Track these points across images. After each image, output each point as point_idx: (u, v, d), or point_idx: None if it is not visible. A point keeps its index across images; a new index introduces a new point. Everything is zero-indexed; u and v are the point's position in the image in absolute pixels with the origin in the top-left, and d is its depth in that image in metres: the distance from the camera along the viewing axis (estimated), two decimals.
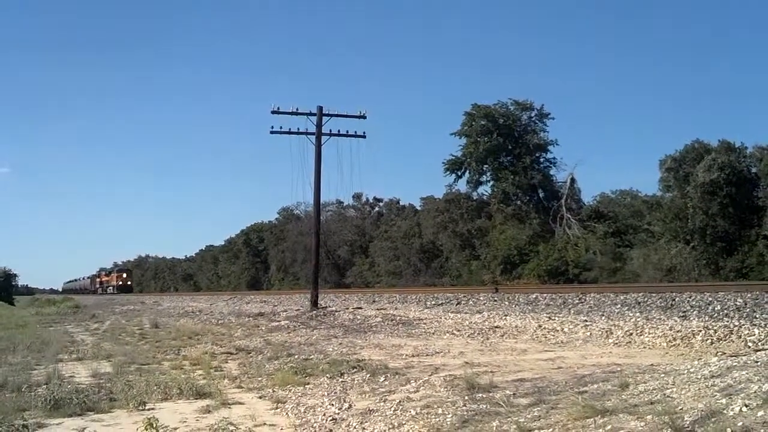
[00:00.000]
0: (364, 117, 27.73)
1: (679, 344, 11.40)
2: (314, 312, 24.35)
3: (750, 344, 10.50)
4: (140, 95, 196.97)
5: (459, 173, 47.27)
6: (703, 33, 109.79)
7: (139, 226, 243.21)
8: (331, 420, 7.93)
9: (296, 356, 13.22)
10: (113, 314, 36.31)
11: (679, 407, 5.61)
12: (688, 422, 5.16)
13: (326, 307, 26.00)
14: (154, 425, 6.96)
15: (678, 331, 11.95)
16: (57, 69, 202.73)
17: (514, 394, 7.56)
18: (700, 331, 11.71)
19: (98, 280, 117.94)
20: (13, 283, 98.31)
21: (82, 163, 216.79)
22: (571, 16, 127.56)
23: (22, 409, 9.15)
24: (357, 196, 68.19)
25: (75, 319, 32.78)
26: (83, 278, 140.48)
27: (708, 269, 30.51)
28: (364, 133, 27.99)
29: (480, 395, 7.67)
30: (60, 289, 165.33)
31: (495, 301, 21.72)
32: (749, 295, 15.65)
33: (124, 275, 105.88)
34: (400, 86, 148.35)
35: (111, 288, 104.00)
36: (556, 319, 15.36)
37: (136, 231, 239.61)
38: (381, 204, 68.68)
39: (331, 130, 27.48)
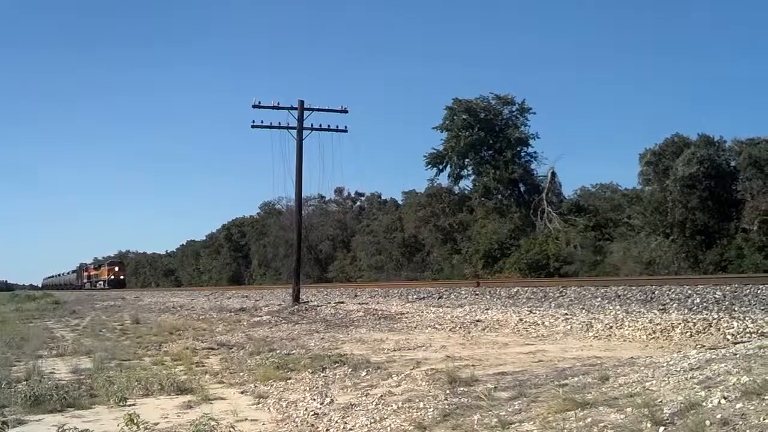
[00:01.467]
0: (345, 111, 27.72)
1: (658, 337, 11.48)
2: (296, 307, 24.32)
3: (729, 337, 10.59)
4: (120, 90, 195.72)
5: (440, 167, 47.39)
6: (683, 26, 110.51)
7: (119, 221, 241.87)
8: (312, 415, 7.93)
9: (278, 351, 13.21)
10: (93, 310, 36.12)
11: (659, 400, 5.65)
12: (667, 414, 5.20)
13: (308, 301, 25.96)
14: (135, 421, 6.92)
15: (658, 324, 12.03)
16: (32, 64, 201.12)
17: (495, 387, 7.59)
18: (680, 323, 11.79)
19: (85, 274, 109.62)
20: None
21: (60, 158, 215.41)
22: (551, 10, 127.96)
23: (1, 405, 9.12)
24: (339, 191, 68.24)
25: (55, 315, 32.58)
26: (67, 273, 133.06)
27: (687, 262, 30.73)
28: (345, 127, 27.99)
29: (461, 389, 7.69)
30: (40, 285, 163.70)
31: (476, 295, 21.76)
32: (728, 287, 15.76)
33: (116, 269, 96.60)
34: (381, 80, 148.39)
35: (101, 283, 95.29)
36: (537, 312, 15.42)
37: (116, 226, 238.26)
38: (363, 198, 68.75)
39: (312, 125, 27.43)
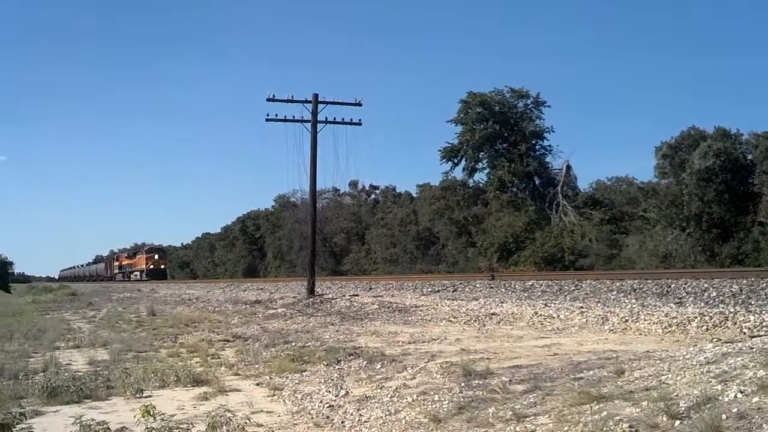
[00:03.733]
0: (359, 104, 27.73)
1: (674, 331, 11.43)
2: (311, 299, 24.37)
3: (745, 331, 10.53)
4: (136, 84, 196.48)
5: (455, 161, 47.29)
6: (700, 19, 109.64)
7: (135, 214, 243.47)
8: (328, 407, 7.97)
9: (293, 343, 13.25)
10: (110, 302, 36.33)
11: (675, 393, 5.64)
12: (683, 408, 5.19)
13: (323, 294, 26.01)
14: (152, 412, 6.96)
15: (673, 318, 11.97)
16: (52, 60, 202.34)
17: (510, 380, 7.59)
18: (696, 317, 11.72)
19: (116, 263, 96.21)
20: (9, 271, 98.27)
21: (77, 151, 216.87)
22: (568, 3, 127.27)
23: (19, 396, 9.20)
24: (353, 184, 68.16)
25: (72, 307, 32.81)
26: (88, 264, 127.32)
27: (703, 256, 30.54)
28: (360, 120, 28.00)
29: (476, 382, 7.69)
30: (56, 277, 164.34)
31: (491, 288, 21.74)
32: (744, 281, 15.66)
33: (156, 257, 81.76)
34: (396, 73, 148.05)
35: (137, 273, 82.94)
36: (552, 305, 15.38)
37: (132, 219, 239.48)
38: (377, 191, 68.63)
39: (326, 118, 27.42)
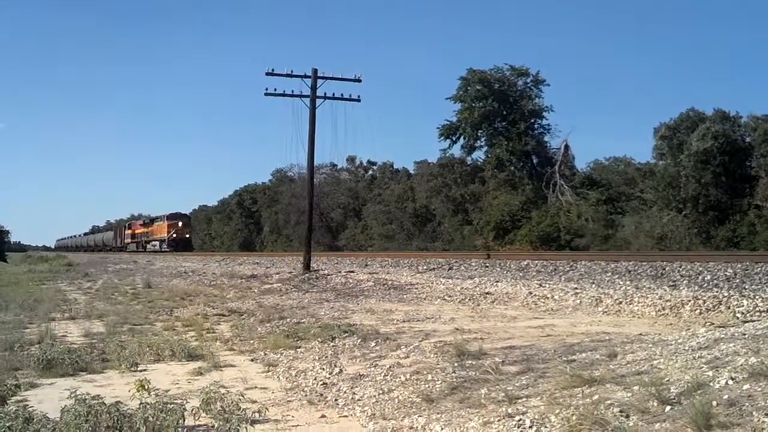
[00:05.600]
0: (359, 80, 27.63)
1: (668, 314, 11.46)
2: (307, 275, 24.42)
3: (738, 315, 10.55)
4: (136, 57, 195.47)
5: (453, 138, 47.23)
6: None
7: (132, 186, 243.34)
8: (321, 384, 8.02)
9: (288, 319, 13.31)
10: (106, 273, 36.42)
11: (666, 378, 5.67)
12: (674, 394, 5.22)
13: (318, 270, 26.06)
14: (146, 387, 7.00)
15: (667, 301, 12.00)
16: (52, 31, 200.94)
17: (503, 361, 7.63)
18: (689, 301, 11.75)
19: (128, 232, 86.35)
20: (5, 240, 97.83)
21: (76, 123, 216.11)
22: None
23: (14, 368, 9.24)
24: (351, 159, 68.20)
25: (68, 278, 32.88)
26: (89, 232, 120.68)
27: (699, 238, 30.62)
28: (359, 96, 27.90)
29: (469, 362, 7.73)
30: (53, 246, 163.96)
31: (487, 267, 21.79)
32: (739, 265, 15.70)
33: (180, 224, 71.29)
34: (396, 50, 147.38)
35: (156, 243, 73.16)
36: (547, 286, 15.42)
37: (128, 191, 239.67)
38: (375, 167, 68.61)
39: (325, 93, 27.34)
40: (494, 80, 44.96)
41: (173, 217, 72.00)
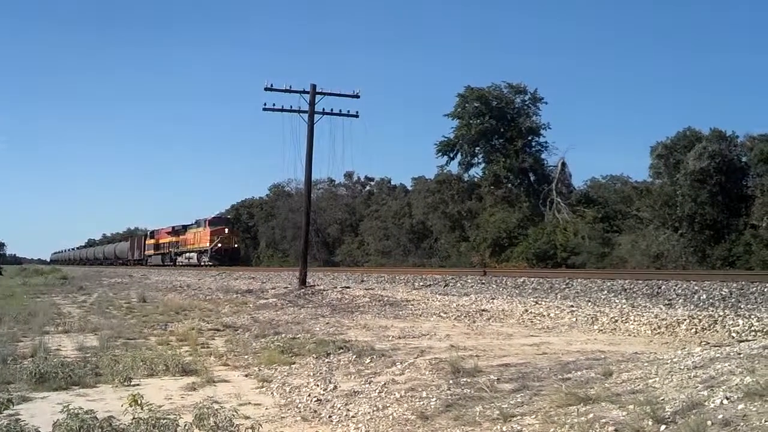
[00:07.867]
0: (357, 96, 27.67)
1: (663, 332, 11.46)
2: (302, 290, 24.37)
3: (734, 334, 10.56)
4: (135, 70, 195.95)
5: (451, 155, 47.36)
6: (700, 18, 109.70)
7: (129, 199, 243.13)
8: (316, 401, 7.97)
9: (283, 335, 13.24)
10: (101, 287, 36.27)
11: (661, 397, 5.66)
12: (669, 413, 5.20)
13: (314, 285, 26.00)
14: (139, 402, 6.95)
15: (663, 320, 12.00)
16: (51, 44, 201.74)
17: (498, 379, 7.60)
18: (685, 319, 11.76)
19: (150, 242, 73.10)
20: (1, 252, 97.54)
21: (73, 137, 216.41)
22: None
23: (7, 381, 9.19)
24: (348, 175, 68.31)
25: (62, 291, 32.75)
26: (84, 246, 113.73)
27: (695, 257, 30.65)
28: (357, 112, 27.95)
29: (464, 380, 7.70)
30: (48, 259, 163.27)
31: (483, 283, 21.76)
32: (735, 284, 15.69)
33: (226, 230, 57.83)
34: (394, 67, 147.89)
35: (192, 255, 59.41)
36: (543, 303, 15.39)
37: (125, 204, 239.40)
38: (372, 183, 68.77)
39: (324, 109, 27.39)
40: (492, 98, 45.17)
41: (217, 222, 59.24)
